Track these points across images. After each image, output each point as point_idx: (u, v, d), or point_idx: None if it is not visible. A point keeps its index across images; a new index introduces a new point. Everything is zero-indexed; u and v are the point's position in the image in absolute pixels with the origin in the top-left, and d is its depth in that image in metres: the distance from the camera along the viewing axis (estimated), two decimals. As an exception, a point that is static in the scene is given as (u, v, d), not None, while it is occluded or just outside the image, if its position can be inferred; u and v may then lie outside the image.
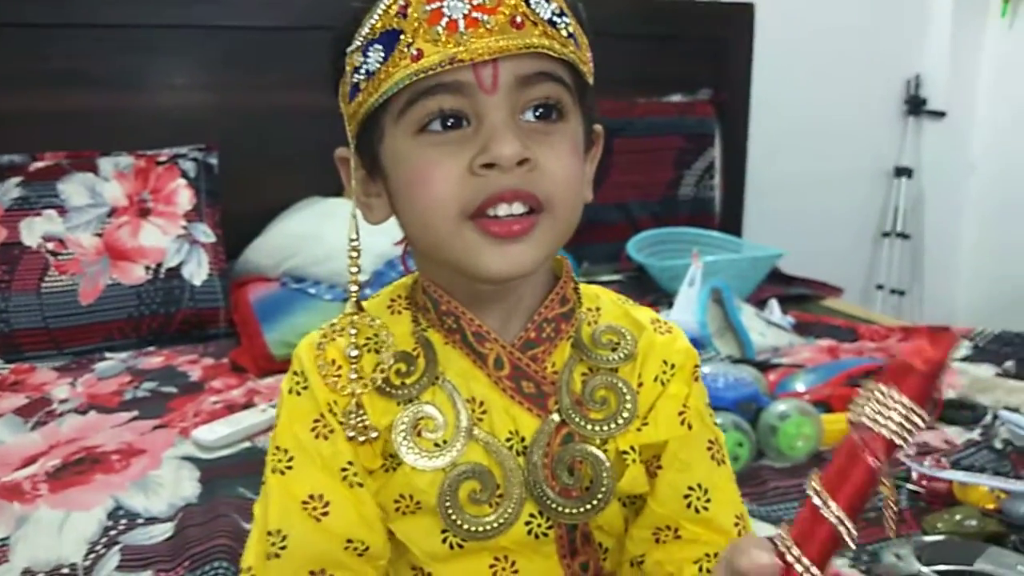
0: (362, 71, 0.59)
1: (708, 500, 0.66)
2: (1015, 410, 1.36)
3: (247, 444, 1.32)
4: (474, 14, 0.56)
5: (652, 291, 2.10)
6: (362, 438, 0.62)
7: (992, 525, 1.05)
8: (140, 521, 1.12)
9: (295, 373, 0.66)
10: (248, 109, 2.08)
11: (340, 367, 0.63)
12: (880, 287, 3.15)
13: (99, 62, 1.95)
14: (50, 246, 1.72)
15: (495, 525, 0.63)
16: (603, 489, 0.64)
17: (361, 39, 0.59)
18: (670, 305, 1.89)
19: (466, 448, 0.63)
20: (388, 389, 0.63)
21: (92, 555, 1.05)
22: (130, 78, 2.00)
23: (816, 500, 0.48)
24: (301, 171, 2.05)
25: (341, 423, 0.63)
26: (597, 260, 2.23)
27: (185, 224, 1.84)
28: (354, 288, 0.64)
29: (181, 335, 1.80)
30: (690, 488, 0.66)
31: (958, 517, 1.06)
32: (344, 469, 0.63)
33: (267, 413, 1.39)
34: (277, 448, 0.65)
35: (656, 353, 0.68)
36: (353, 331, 0.63)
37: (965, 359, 1.71)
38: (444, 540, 0.64)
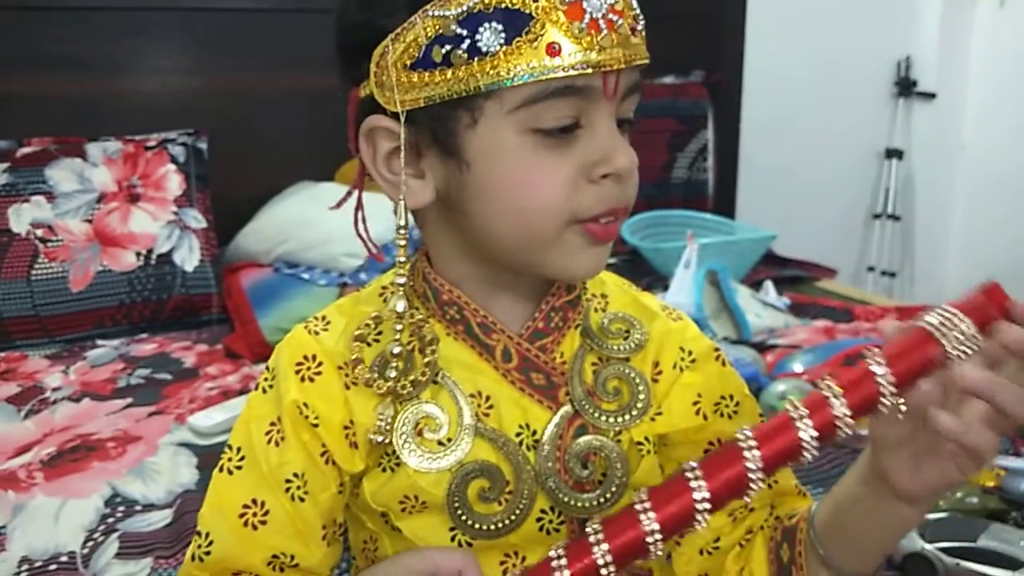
0: (463, 45, 0.52)
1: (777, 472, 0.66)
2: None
3: (244, 430, 1.31)
4: (610, 16, 0.53)
5: (647, 274, 2.10)
6: (386, 440, 0.59)
7: (993, 502, 1.06)
8: (138, 508, 1.11)
9: (267, 368, 0.63)
10: (237, 93, 2.06)
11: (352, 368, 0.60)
12: (871, 268, 3.16)
13: (86, 46, 1.92)
14: (39, 233, 1.69)
15: (506, 522, 0.61)
16: (617, 481, 0.62)
17: (464, 8, 0.52)
18: (665, 288, 1.88)
19: (472, 446, 0.60)
20: (389, 386, 0.60)
21: (90, 543, 1.04)
22: (118, 62, 1.97)
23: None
24: (292, 155, 2.04)
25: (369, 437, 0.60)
26: None
27: (175, 210, 1.82)
28: (401, 281, 0.60)
29: (174, 321, 1.78)
30: None
31: (959, 495, 1.06)
32: (289, 481, 0.60)
33: (263, 399, 1.38)
34: (229, 446, 0.63)
35: (673, 340, 0.67)
36: (399, 326, 0.59)
37: (960, 339, 1.71)
38: (453, 538, 0.61)
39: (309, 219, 1.83)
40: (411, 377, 0.60)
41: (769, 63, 2.71)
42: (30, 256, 1.68)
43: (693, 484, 0.53)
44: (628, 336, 0.65)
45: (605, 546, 0.53)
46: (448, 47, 0.53)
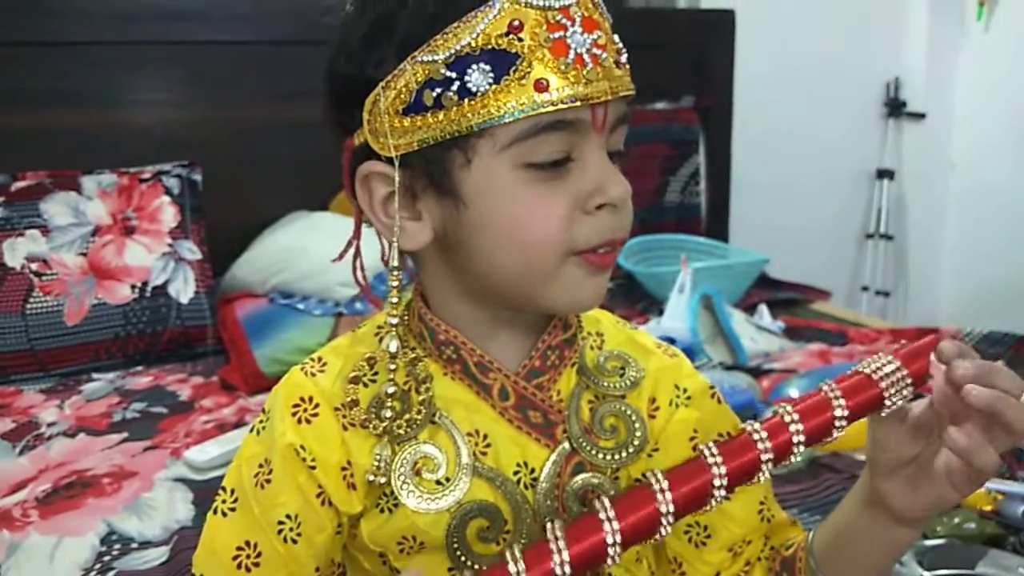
0: (452, 87, 0.54)
1: (770, 506, 0.69)
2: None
3: (240, 464, 1.31)
4: (594, 50, 0.55)
5: (641, 298, 2.10)
6: (383, 479, 0.59)
7: (990, 527, 1.05)
8: (134, 546, 1.11)
9: (263, 411, 0.64)
10: (231, 124, 2.06)
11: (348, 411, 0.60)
12: (865, 289, 3.17)
13: (80, 80, 1.93)
14: (34, 267, 1.70)
15: None
16: None
17: (451, 52, 0.53)
18: (660, 312, 1.89)
19: (470, 485, 0.60)
20: (385, 426, 0.60)
21: (86, 582, 1.03)
22: (111, 96, 1.98)
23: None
24: (285, 185, 2.05)
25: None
26: None
27: (170, 242, 1.82)
28: (394, 322, 0.60)
29: (169, 354, 1.78)
30: (760, 503, 0.68)
31: (956, 520, 1.06)
32: (281, 523, 0.59)
33: (259, 432, 1.37)
34: (223, 488, 0.63)
35: (668, 377, 0.67)
36: (392, 366, 0.60)
37: (955, 360, 1.71)
38: None
39: (304, 249, 1.83)
40: (407, 417, 0.60)
41: (759, 86, 2.73)
42: (25, 290, 1.68)
43: (659, 497, 0.56)
44: (624, 374, 0.65)
45: (566, 554, 0.54)
46: (439, 90, 0.54)
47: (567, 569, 0.53)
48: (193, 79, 2.04)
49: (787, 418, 0.57)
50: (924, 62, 3.06)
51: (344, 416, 0.60)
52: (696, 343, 1.67)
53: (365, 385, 0.61)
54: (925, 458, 0.58)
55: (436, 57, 0.54)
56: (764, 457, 0.56)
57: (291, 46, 2.04)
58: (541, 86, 0.53)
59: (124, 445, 1.39)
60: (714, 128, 2.66)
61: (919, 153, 3.12)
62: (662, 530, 0.56)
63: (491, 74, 0.53)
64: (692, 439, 0.66)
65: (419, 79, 0.54)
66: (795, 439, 0.57)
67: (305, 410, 0.61)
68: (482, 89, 0.53)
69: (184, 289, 1.80)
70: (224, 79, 2.05)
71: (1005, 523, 1.06)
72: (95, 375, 1.69)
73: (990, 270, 3.04)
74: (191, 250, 1.84)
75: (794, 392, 1.43)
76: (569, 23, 0.54)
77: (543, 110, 0.53)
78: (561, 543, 0.53)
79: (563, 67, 0.53)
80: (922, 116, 3.08)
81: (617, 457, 0.63)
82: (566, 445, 0.62)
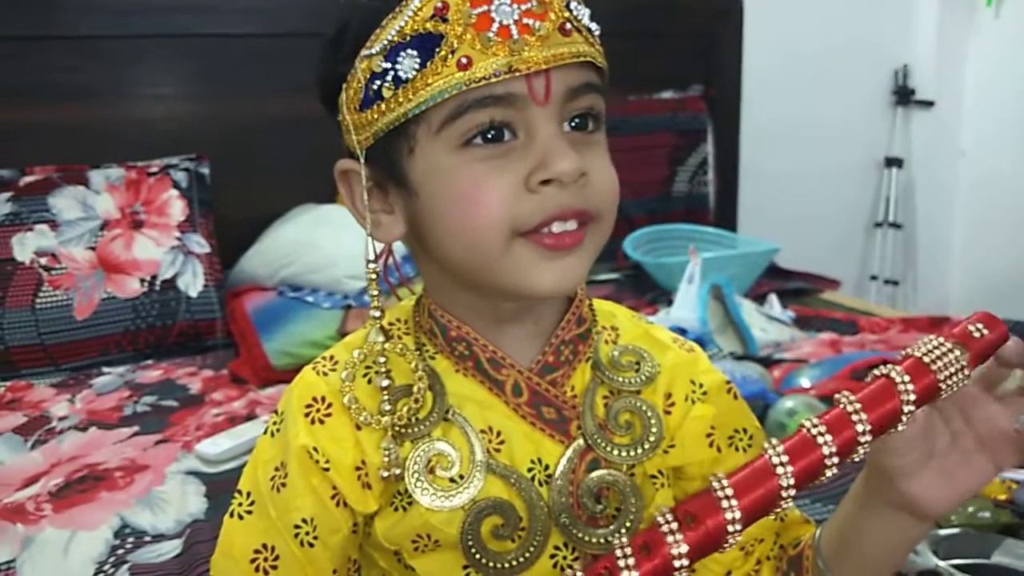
0: (388, 78, 0.54)
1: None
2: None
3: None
4: (525, 20, 0.53)
5: (650, 289, 2.10)
6: (398, 471, 0.58)
7: (1005, 516, 1.05)
8: (147, 539, 1.11)
9: (276, 412, 0.63)
10: (238, 118, 2.06)
11: (364, 406, 0.60)
12: (874, 278, 3.16)
13: (87, 74, 1.93)
14: (43, 261, 1.70)
15: (520, 560, 0.60)
16: (631, 516, 0.61)
17: (385, 42, 0.54)
18: (669, 303, 1.88)
19: (484, 482, 0.59)
20: (399, 428, 0.59)
21: (100, 575, 1.03)
22: (119, 89, 1.98)
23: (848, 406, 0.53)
24: (293, 178, 2.04)
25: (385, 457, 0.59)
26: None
27: (179, 235, 1.82)
28: (376, 314, 0.60)
29: (178, 347, 1.78)
30: None
31: (971, 509, 1.06)
32: (297, 527, 0.59)
33: (270, 424, 1.37)
34: (239, 491, 0.62)
35: (684, 372, 0.66)
36: (383, 359, 0.59)
37: (966, 349, 1.71)
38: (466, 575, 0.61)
39: (312, 242, 1.83)
40: (415, 415, 0.59)
41: (767, 75, 2.72)
42: (34, 285, 1.68)
43: (724, 504, 0.51)
44: (639, 369, 0.64)
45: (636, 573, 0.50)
46: (378, 82, 0.55)
47: None
48: (201, 72, 2.04)
49: (849, 408, 0.53)
50: (933, 49, 3.04)
51: (357, 415, 0.60)
52: (706, 333, 1.67)
53: (369, 381, 0.61)
54: (945, 447, 0.57)
55: (374, 50, 0.55)
56: (827, 459, 0.52)
57: (299, 39, 2.03)
58: (462, 64, 0.52)
59: (135, 439, 1.39)
60: (722, 117, 2.65)
61: (928, 141, 3.11)
62: (730, 539, 0.51)
63: (417, 59, 0.53)
64: (709, 435, 0.65)
65: (365, 74, 0.56)
66: (860, 432, 0.52)
67: (318, 410, 0.60)
68: (411, 75, 0.54)
69: (193, 282, 1.80)
70: (232, 72, 2.05)
71: (1020, 512, 1.05)
72: (105, 369, 1.69)
73: (999, 258, 3.03)
74: (200, 243, 1.84)
75: (805, 382, 1.42)
76: None
77: (466, 88, 0.53)
78: (630, 560, 0.50)
79: (485, 41, 0.52)
80: (931, 104, 3.06)
81: (632, 453, 0.62)
82: (581, 441, 0.61)
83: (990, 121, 3.03)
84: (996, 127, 3.02)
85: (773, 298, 2.00)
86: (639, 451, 0.62)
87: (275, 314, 1.73)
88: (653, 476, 0.64)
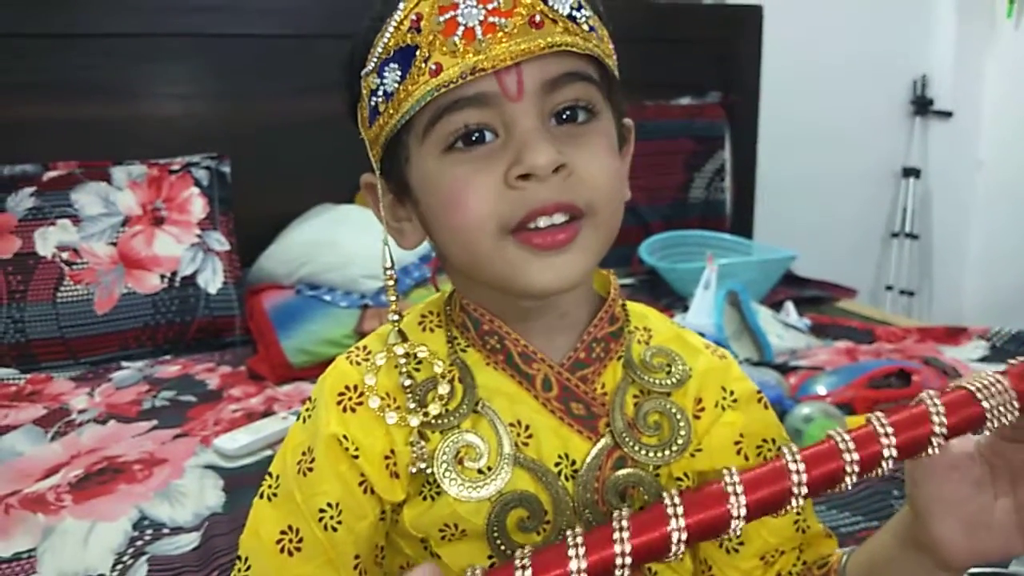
0: (379, 93, 0.57)
1: (806, 516, 0.67)
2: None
3: (269, 452, 1.32)
4: (491, 19, 0.53)
5: (665, 294, 2.10)
6: (427, 468, 0.59)
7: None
8: (166, 531, 1.12)
9: (310, 399, 0.64)
10: (259, 117, 2.08)
11: (395, 398, 0.61)
12: (890, 288, 3.15)
13: (111, 72, 1.95)
14: (65, 256, 1.71)
15: None
16: None
17: (375, 60, 0.57)
18: (685, 308, 1.89)
19: (512, 475, 0.60)
20: (429, 419, 0.60)
21: (119, 566, 1.04)
22: (142, 87, 2.00)
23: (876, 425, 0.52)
24: (313, 178, 2.06)
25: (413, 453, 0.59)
26: (609, 264, 2.17)
27: (199, 232, 1.84)
28: (394, 317, 0.61)
29: (197, 343, 1.80)
30: (797, 513, 0.66)
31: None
32: (322, 511, 0.60)
33: (287, 421, 1.39)
34: (270, 473, 0.64)
35: (716, 378, 0.66)
36: (404, 360, 0.60)
37: (983, 359, 1.70)
38: (491, 566, 0.61)
39: (330, 241, 1.84)
40: (450, 406, 0.60)
41: (785, 83, 2.72)
42: (56, 279, 1.70)
43: (731, 496, 0.51)
44: (670, 371, 0.64)
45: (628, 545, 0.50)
46: (375, 99, 0.57)
47: (627, 560, 0.50)
48: (223, 72, 2.06)
49: (880, 428, 0.52)
50: (952, 60, 3.04)
51: (388, 406, 0.60)
52: (722, 339, 1.67)
53: (409, 376, 0.61)
54: (981, 503, 0.56)
55: (368, 69, 0.57)
56: (848, 468, 0.52)
57: (320, 40, 2.05)
58: (433, 71, 0.54)
59: (154, 432, 1.40)
60: (740, 124, 2.65)
61: (946, 152, 3.10)
62: (730, 531, 0.51)
63: (399, 72, 0.55)
64: (737, 443, 0.65)
65: (367, 92, 0.58)
66: (885, 452, 0.52)
67: (350, 398, 0.61)
68: (395, 88, 0.56)
69: (212, 279, 1.81)
70: (254, 72, 2.07)
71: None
72: (124, 363, 1.71)
73: (1016, 270, 3.01)
74: (219, 241, 1.86)
75: (822, 389, 1.42)
76: (461, 1, 0.53)
77: (437, 94, 0.54)
78: (626, 533, 0.50)
79: (452, 46, 0.53)
80: (949, 114, 3.05)
81: (660, 455, 0.62)
82: (608, 439, 0.62)
83: (1008, 132, 3.02)
84: (1014, 138, 3.01)
85: (789, 305, 2.00)
86: (667, 453, 0.62)
87: (293, 312, 1.74)
88: (678, 478, 0.63)
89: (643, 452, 0.62)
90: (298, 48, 2.07)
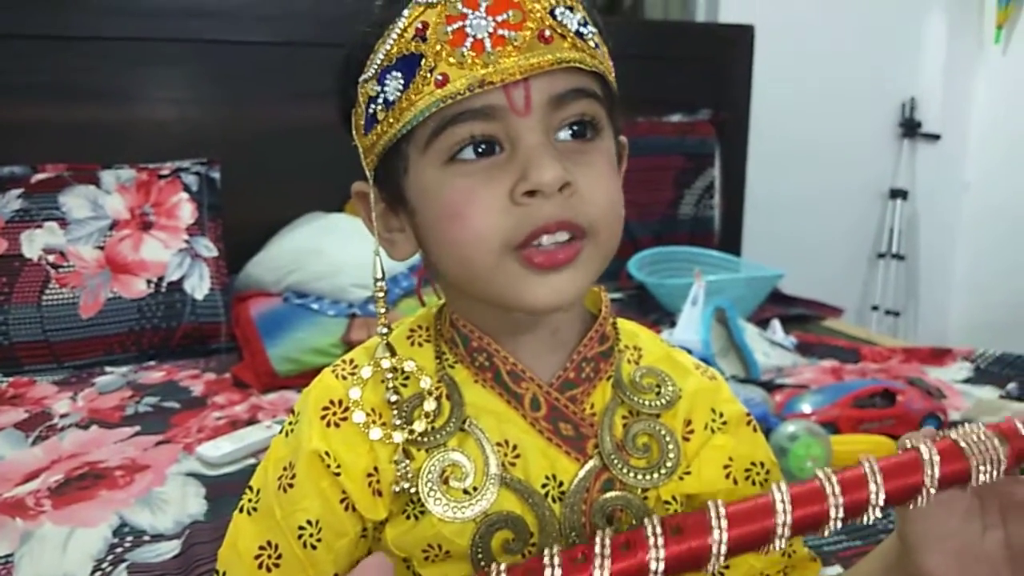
0: (379, 101, 0.55)
1: (792, 541, 0.67)
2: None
3: (253, 460, 1.31)
4: (500, 31, 0.52)
5: (653, 310, 2.10)
6: (411, 487, 0.58)
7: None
8: (146, 538, 1.11)
9: (293, 412, 0.63)
10: (250, 123, 2.08)
11: (381, 413, 0.60)
12: (875, 308, 3.17)
13: (102, 75, 1.95)
14: (51, 259, 1.70)
15: None
16: None
17: (376, 67, 0.55)
18: (672, 324, 1.89)
19: (497, 496, 0.59)
20: (415, 436, 0.59)
21: (98, 572, 1.03)
22: (133, 91, 2.00)
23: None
24: (302, 186, 2.05)
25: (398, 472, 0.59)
26: (598, 279, 2.23)
27: (187, 238, 1.83)
28: (384, 330, 0.60)
29: (182, 349, 1.78)
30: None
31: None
32: (301, 528, 0.59)
33: (272, 429, 1.38)
34: (250, 487, 0.63)
35: (705, 400, 0.65)
36: (390, 375, 0.59)
37: (967, 381, 1.71)
38: None
39: (319, 249, 1.84)
40: (436, 423, 0.59)
41: (776, 103, 2.74)
42: (41, 281, 1.69)
43: (714, 529, 0.51)
44: (659, 392, 0.63)
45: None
46: (373, 106, 0.56)
47: None
48: (215, 77, 2.06)
49: (869, 472, 0.52)
50: (940, 83, 3.07)
51: (374, 422, 0.60)
52: (709, 356, 1.67)
53: (396, 391, 0.60)
54: (971, 536, 0.56)
55: (368, 75, 0.56)
56: (833, 513, 0.51)
57: (312, 48, 2.05)
58: (439, 81, 0.53)
59: (136, 438, 1.39)
60: (730, 142, 2.67)
61: (933, 174, 3.13)
62: (710, 567, 0.51)
63: (401, 80, 0.54)
64: (726, 467, 0.64)
65: (364, 99, 0.57)
66: (873, 498, 0.51)
67: (335, 413, 0.60)
68: (396, 96, 0.54)
69: (199, 285, 1.81)
70: (246, 78, 2.07)
71: None
72: (108, 368, 1.69)
73: (1002, 292, 3.04)
74: (207, 247, 1.85)
75: (807, 407, 1.42)
76: (471, 10, 0.52)
77: (443, 105, 0.53)
78: (607, 560, 0.49)
79: (460, 57, 0.52)
80: (937, 137, 3.08)
81: (648, 477, 0.61)
82: (596, 460, 0.61)
83: (994, 155, 3.06)
84: (1000, 162, 3.04)
85: (776, 323, 2.00)
86: (655, 476, 0.61)
87: (280, 320, 1.73)
88: (667, 501, 0.62)
89: (631, 475, 0.61)
90: (291, 55, 2.07)
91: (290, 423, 0.63)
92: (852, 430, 1.36)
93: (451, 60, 0.52)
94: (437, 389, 0.60)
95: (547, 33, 0.53)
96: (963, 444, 0.53)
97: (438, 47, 0.53)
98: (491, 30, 0.52)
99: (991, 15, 2.99)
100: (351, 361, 0.63)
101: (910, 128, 3.10)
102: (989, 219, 3.08)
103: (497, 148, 0.55)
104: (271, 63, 2.08)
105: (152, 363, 1.73)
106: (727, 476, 0.64)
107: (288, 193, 2.06)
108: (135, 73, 1.99)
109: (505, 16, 0.53)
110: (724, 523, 0.50)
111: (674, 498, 0.63)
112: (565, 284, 0.56)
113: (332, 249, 1.84)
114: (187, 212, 1.85)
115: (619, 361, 0.64)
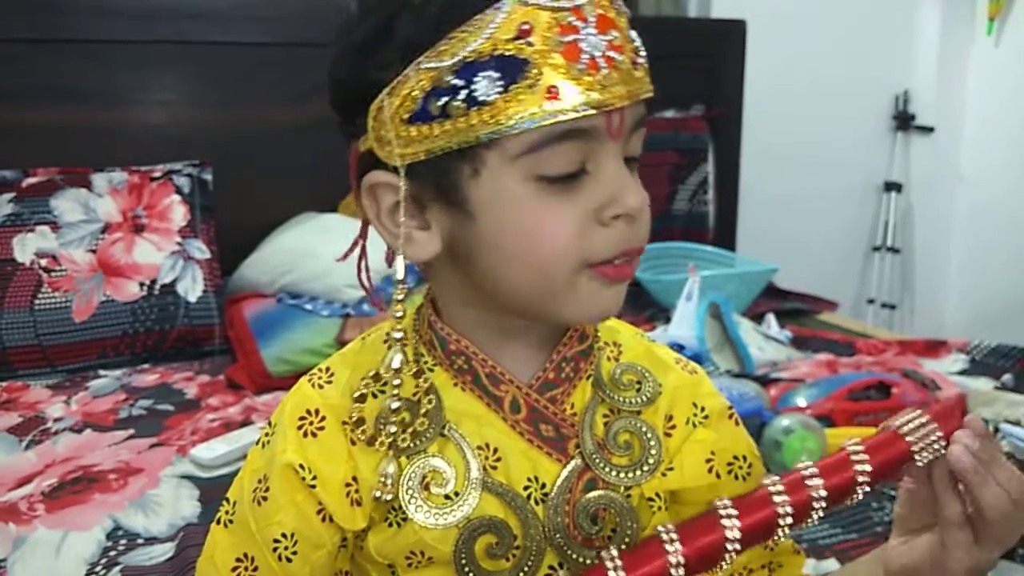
0: (459, 96, 0.51)
1: None
2: (1016, 423, 1.36)
3: (247, 462, 1.31)
4: (609, 52, 0.51)
5: (648, 306, 2.10)
6: (390, 497, 0.57)
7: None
8: (140, 541, 1.11)
9: (269, 423, 0.62)
10: (242, 125, 2.07)
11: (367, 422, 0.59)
12: (871, 301, 3.17)
13: (93, 78, 1.94)
14: (43, 262, 1.70)
15: None
16: (627, 538, 0.60)
17: (458, 58, 0.51)
18: (667, 319, 1.89)
19: (480, 500, 0.58)
20: (395, 443, 0.58)
21: (92, 576, 1.03)
22: (124, 94, 1.99)
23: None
24: (295, 186, 2.05)
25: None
26: None
27: (179, 240, 1.83)
28: (399, 335, 0.57)
29: (176, 352, 1.78)
30: None
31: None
32: (276, 541, 0.58)
33: (266, 431, 1.37)
34: (227, 499, 0.62)
35: (686, 394, 0.65)
36: (397, 381, 0.57)
37: (962, 372, 1.71)
38: None
39: (312, 250, 1.84)
40: (411, 429, 0.58)
41: (769, 97, 2.74)
42: (34, 286, 1.68)
43: (725, 523, 0.56)
44: (640, 388, 0.63)
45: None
46: (445, 99, 0.51)
47: None
48: (206, 79, 2.05)
49: (806, 472, 0.58)
50: (934, 76, 3.07)
51: (352, 431, 0.59)
52: (703, 351, 1.67)
53: (374, 396, 0.59)
54: (950, 520, 0.60)
55: (442, 63, 0.51)
56: (781, 520, 0.57)
57: (304, 48, 2.04)
58: (552, 94, 0.50)
59: (130, 442, 1.39)
60: (723, 137, 2.67)
61: (927, 166, 3.13)
62: (727, 557, 0.56)
63: (500, 82, 0.50)
64: (708, 461, 0.64)
65: (424, 86, 0.52)
66: (814, 494, 0.57)
67: (311, 423, 0.59)
68: (490, 98, 0.51)
69: (192, 288, 1.80)
70: (237, 79, 2.06)
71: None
72: (102, 372, 1.69)
73: (997, 284, 3.04)
74: (200, 249, 1.84)
75: (801, 401, 1.42)
76: (582, 23, 0.51)
77: (555, 120, 0.50)
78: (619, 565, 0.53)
79: (576, 72, 0.50)
80: (931, 130, 3.08)
81: (631, 475, 0.61)
82: (578, 461, 0.60)
83: (989, 148, 3.06)
84: (995, 154, 3.04)
85: (771, 318, 2.00)
86: (637, 473, 0.61)
87: (273, 321, 1.73)
88: (650, 499, 0.62)
89: (614, 473, 0.60)
90: (283, 57, 2.06)
91: (267, 434, 0.62)
92: (847, 423, 1.35)
93: (564, 73, 0.50)
94: (414, 394, 0.59)
95: (638, 60, 0.54)
96: (898, 429, 0.59)
97: (550, 57, 0.50)
98: (603, 50, 0.51)
99: (983, 7, 2.99)
100: (328, 369, 0.62)
101: (904, 121, 3.10)
102: (984, 211, 3.08)
103: (581, 171, 0.54)
104: (262, 64, 2.07)
105: (146, 366, 1.73)
106: (709, 470, 0.63)
107: (281, 194, 2.06)
108: (126, 75, 1.99)
109: (612, 37, 0.52)
110: (733, 511, 0.56)
111: (657, 495, 0.62)
112: (620, 296, 0.58)
113: (325, 249, 1.83)
114: (179, 214, 1.85)
115: (599, 359, 0.64)
